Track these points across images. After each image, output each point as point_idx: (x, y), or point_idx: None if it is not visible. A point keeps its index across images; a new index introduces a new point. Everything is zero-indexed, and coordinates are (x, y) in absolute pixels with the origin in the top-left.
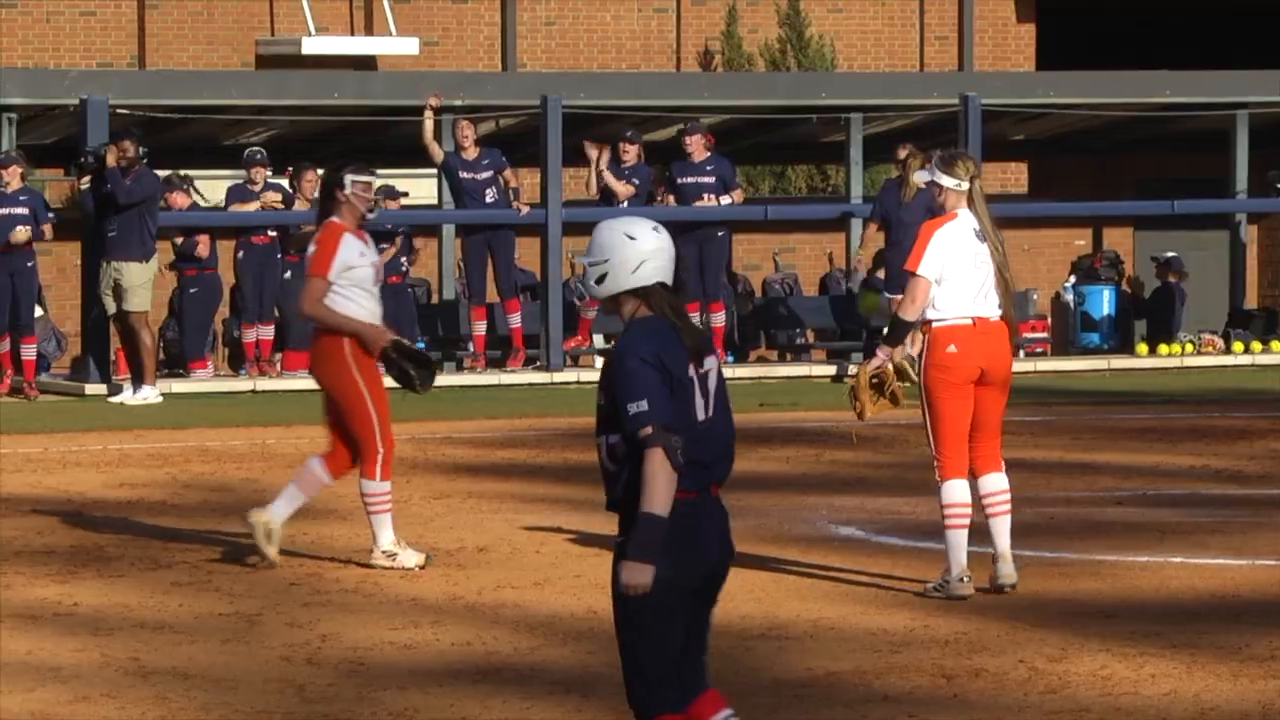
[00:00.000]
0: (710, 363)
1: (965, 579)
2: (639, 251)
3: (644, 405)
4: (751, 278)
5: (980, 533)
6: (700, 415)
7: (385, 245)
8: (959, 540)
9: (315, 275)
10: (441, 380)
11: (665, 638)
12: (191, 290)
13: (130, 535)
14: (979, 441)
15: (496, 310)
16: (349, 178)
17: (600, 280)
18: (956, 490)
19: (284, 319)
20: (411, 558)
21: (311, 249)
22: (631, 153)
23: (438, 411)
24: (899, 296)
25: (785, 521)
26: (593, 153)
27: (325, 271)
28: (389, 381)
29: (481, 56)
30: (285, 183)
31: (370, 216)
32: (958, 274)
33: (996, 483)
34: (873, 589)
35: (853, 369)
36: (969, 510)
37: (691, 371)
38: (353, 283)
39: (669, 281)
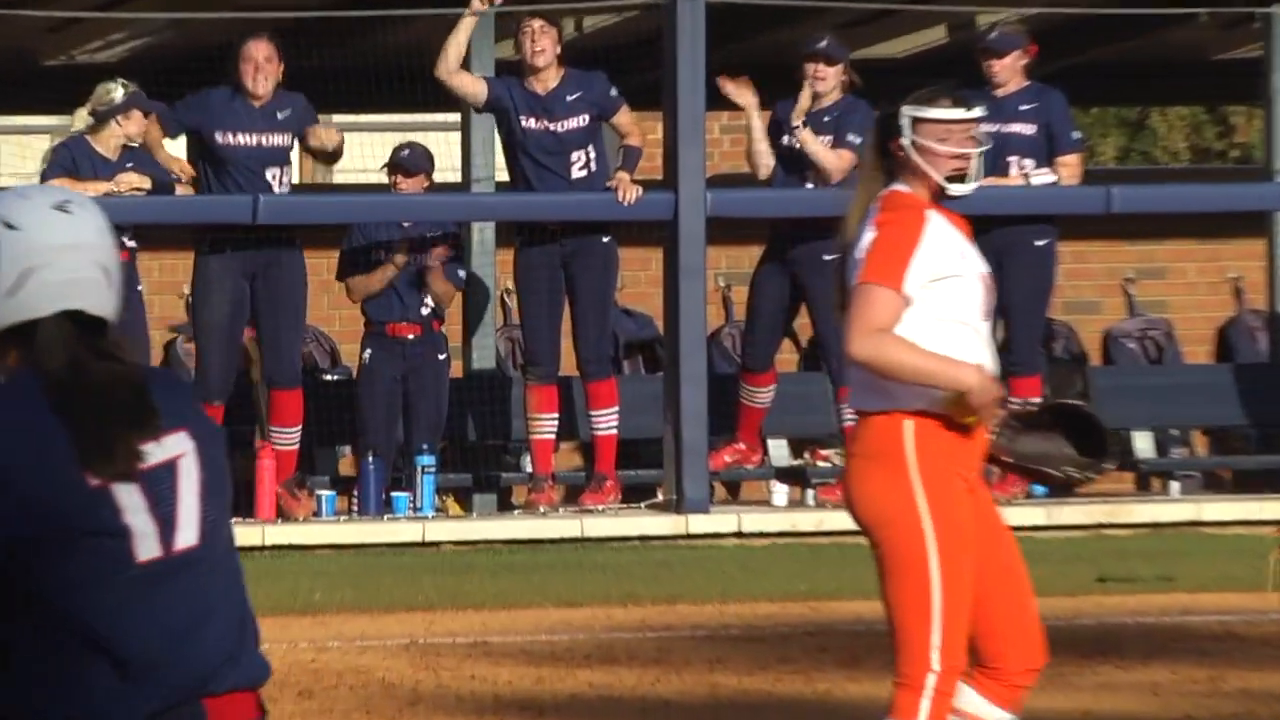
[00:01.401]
0: (177, 444)
1: None
2: (23, 250)
3: None
4: (1081, 328)
5: None
6: (150, 550)
7: (423, 257)
8: None
9: (877, 283)
10: (480, 532)
11: None
12: None
13: None
14: None
15: (575, 394)
16: (910, 113)
17: None
18: None
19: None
20: None
21: (867, 240)
22: (829, 77)
23: (463, 592)
24: None
25: None
26: (746, 97)
27: (898, 280)
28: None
29: None
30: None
31: (961, 192)
32: None
33: None
34: None
35: None
36: None
37: (115, 475)
38: (945, 306)
39: (95, 309)
